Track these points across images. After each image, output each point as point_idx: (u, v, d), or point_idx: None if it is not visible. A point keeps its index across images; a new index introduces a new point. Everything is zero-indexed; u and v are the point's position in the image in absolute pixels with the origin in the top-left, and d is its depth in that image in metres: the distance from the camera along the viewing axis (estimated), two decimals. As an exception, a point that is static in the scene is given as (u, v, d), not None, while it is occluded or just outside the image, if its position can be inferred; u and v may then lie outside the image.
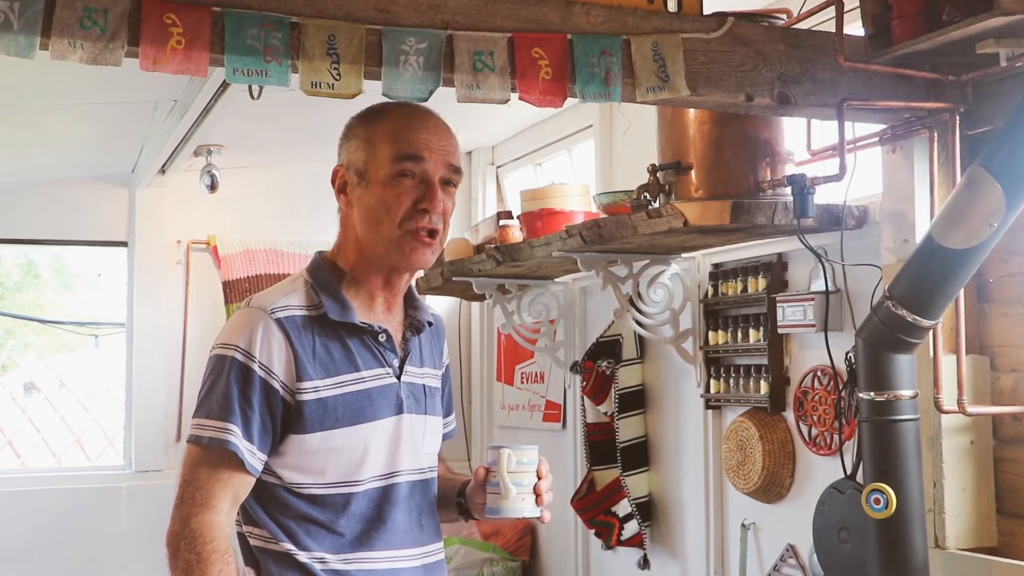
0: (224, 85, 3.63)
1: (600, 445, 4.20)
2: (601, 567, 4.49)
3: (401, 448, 1.96)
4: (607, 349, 4.19)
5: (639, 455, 4.12)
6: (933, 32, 2.47)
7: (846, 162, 2.73)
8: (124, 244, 5.56)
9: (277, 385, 1.86)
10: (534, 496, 1.94)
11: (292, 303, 1.91)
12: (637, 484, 4.09)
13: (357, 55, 2.21)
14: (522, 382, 5.12)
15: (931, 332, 2.63)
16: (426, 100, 2.24)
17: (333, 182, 2.00)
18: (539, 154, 5.18)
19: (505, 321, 4.65)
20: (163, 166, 5.07)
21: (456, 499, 2.12)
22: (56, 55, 2.03)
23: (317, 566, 1.89)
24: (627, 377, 4.12)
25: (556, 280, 4.61)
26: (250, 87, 3.11)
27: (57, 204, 5.42)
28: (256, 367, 1.85)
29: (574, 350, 4.56)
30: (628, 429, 4.10)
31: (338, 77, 2.20)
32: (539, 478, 1.96)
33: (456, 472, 2.23)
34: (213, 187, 5.02)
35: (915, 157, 2.83)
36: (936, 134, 2.78)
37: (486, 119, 4.64)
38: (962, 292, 2.62)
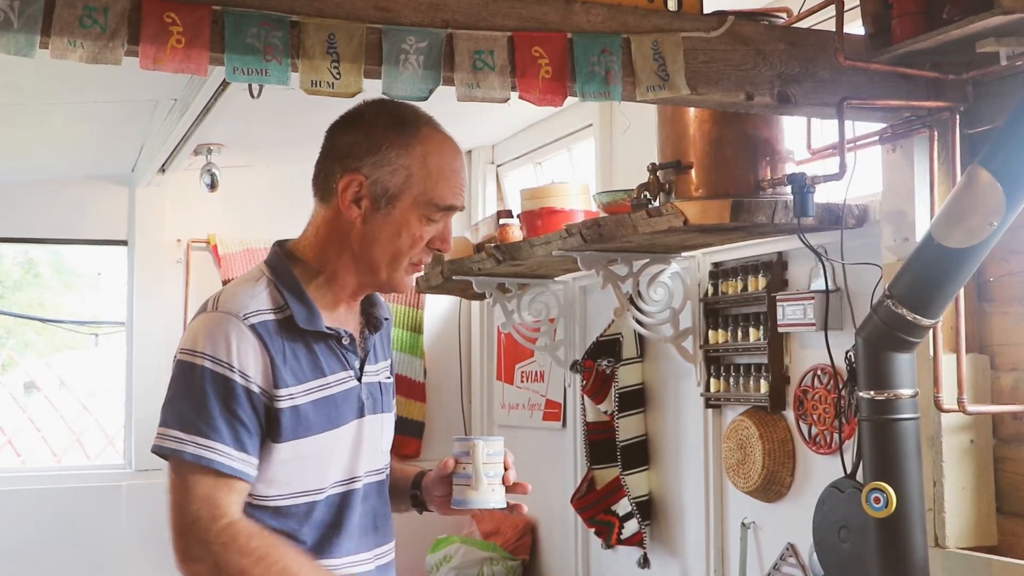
0: (224, 84, 3.63)
1: (600, 444, 4.19)
2: (601, 566, 4.49)
3: (362, 451, 1.92)
4: (607, 348, 4.19)
5: (639, 454, 4.12)
6: (933, 31, 2.47)
7: (846, 161, 2.72)
8: (124, 243, 5.56)
9: (256, 390, 1.80)
10: (503, 487, 1.94)
11: (261, 307, 1.84)
12: (637, 483, 4.09)
13: (357, 54, 2.21)
14: (522, 381, 5.12)
15: (931, 331, 2.63)
16: (426, 99, 2.24)
17: (344, 188, 1.87)
18: (539, 153, 5.17)
19: (505, 320, 4.65)
20: (163, 165, 5.06)
21: (411, 491, 2.10)
22: (56, 54, 2.03)
23: None
24: (627, 376, 4.12)
25: (556, 279, 4.60)
26: (250, 86, 3.10)
27: (57, 203, 5.41)
28: (237, 376, 1.78)
29: (574, 349, 4.55)
30: (628, 428, 4.10)
31: (338, 76, 2.20)
32: (505, 468, 1.96)
33: (405, 463, 2.20)
34: (213, 186, 5.01)
35: (915, 156, 2.82)
36: (936, 133, 2.77)
37: (486, 118, 4.64)
38: (962, 291, 2.62)
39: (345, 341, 1.91)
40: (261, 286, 1.88)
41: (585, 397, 4.25)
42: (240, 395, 1.78)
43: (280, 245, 1.97)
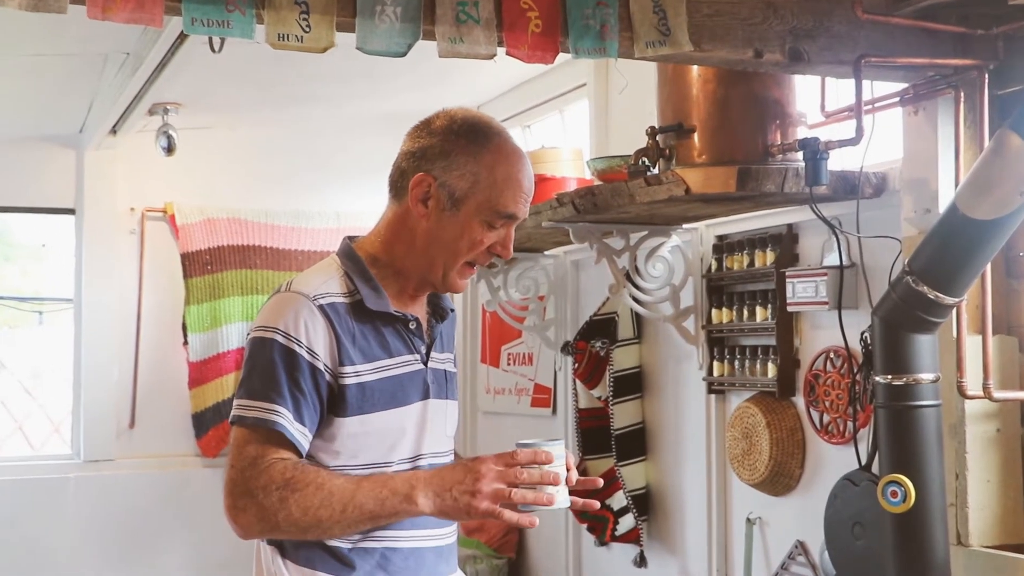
0: (182, 37, 3.61)
1: (593, 432, 4.21)
2: (594, 565, 4.52)
3: (426, 431, 2.15)
4: (601, 328, 4.20)
5: (636, 443, 4.14)
6: (960, -18, 2.48)
7: (863, 124, 2.73)
8: (72, 211, 5.54)
9: (322, 367, 2.02)
10: (566, 488, 2.12)
11: (332, 290, 2.08)
12: (633, 475, 4.11)
13: (328, 5, 2.20)
14: (509, 364, 5.13)
15: (954, 310, 2.64)
16: (404, 55, 2.25)
17: (414, 186, 2.09)
18: (528, 115, 5.17)
19: (490, 297, 4.66)
20: (114, 126, 5.05)
21: None
22: (-6, 2, 2.01)
23: (344, 546, 2.04)
24: (623, 359, 4.13)
25: (546, 253, 4.61)
26: (210, 39, 3.09)
27: (-3, 167, 5.40)
28: (304, 351, 2.01)
29: (565, 329, 4.57)
30: (624, 415, 4.11)
31: (307, 29, 2.19)
32: (567, 470, 2.14)
33: None
34: (170, 149, 5.00)
35: (939, 119, 2.83)
36: (963, 94, 2.78)
37: (470, 76, 4.63)
38: (989, 267, 2.63)
39: (412, 325, 2.14)
40: (333, 273, 2.12)
41: (577, 381, 4.27)
42: (305, 369, 2.01)
43: (350, 239, 2.20)
